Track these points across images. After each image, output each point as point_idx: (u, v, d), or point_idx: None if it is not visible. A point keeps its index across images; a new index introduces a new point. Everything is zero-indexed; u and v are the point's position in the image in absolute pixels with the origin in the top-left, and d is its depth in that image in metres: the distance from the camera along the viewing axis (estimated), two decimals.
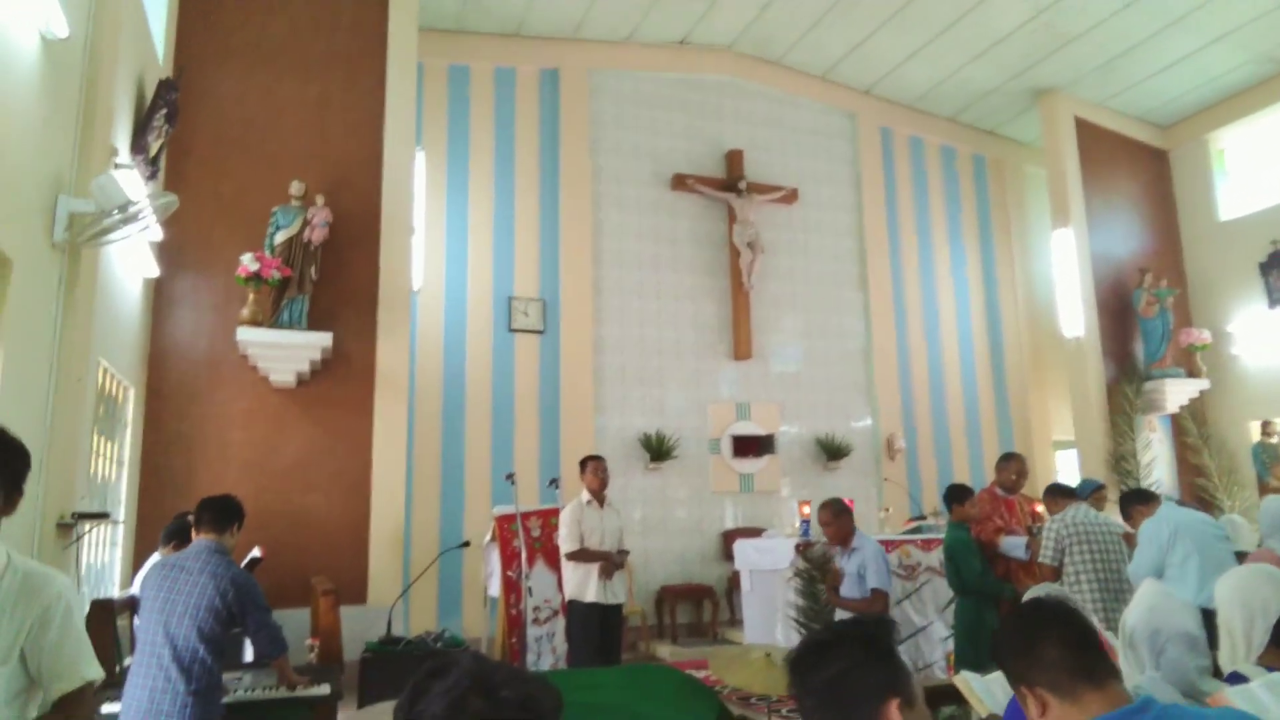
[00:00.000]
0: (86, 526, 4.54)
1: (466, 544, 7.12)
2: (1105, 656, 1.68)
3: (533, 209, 9.43)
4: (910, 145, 11.73)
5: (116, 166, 4.74)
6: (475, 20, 9.26)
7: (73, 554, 4.40)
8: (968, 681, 3.25)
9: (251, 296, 6.42)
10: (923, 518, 7.98)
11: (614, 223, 9.75)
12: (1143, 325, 10.49)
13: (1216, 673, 2.55)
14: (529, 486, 8.20)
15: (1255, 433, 9.78)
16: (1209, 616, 2.67)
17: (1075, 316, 10.63)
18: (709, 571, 9.24)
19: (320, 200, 6.80)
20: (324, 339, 6.60)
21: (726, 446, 9.70)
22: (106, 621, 4.26)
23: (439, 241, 8.98)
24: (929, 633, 6.56)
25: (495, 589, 6.69)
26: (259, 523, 6.07)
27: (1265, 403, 10.15)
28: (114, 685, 3.73)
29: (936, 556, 6.64)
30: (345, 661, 5.01)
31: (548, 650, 6.47)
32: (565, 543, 5.78)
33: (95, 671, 1.93)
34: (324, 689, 3.92)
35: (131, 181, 4.24)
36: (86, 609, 4.39)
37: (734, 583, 8.63)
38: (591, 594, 5.60)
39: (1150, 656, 2.50)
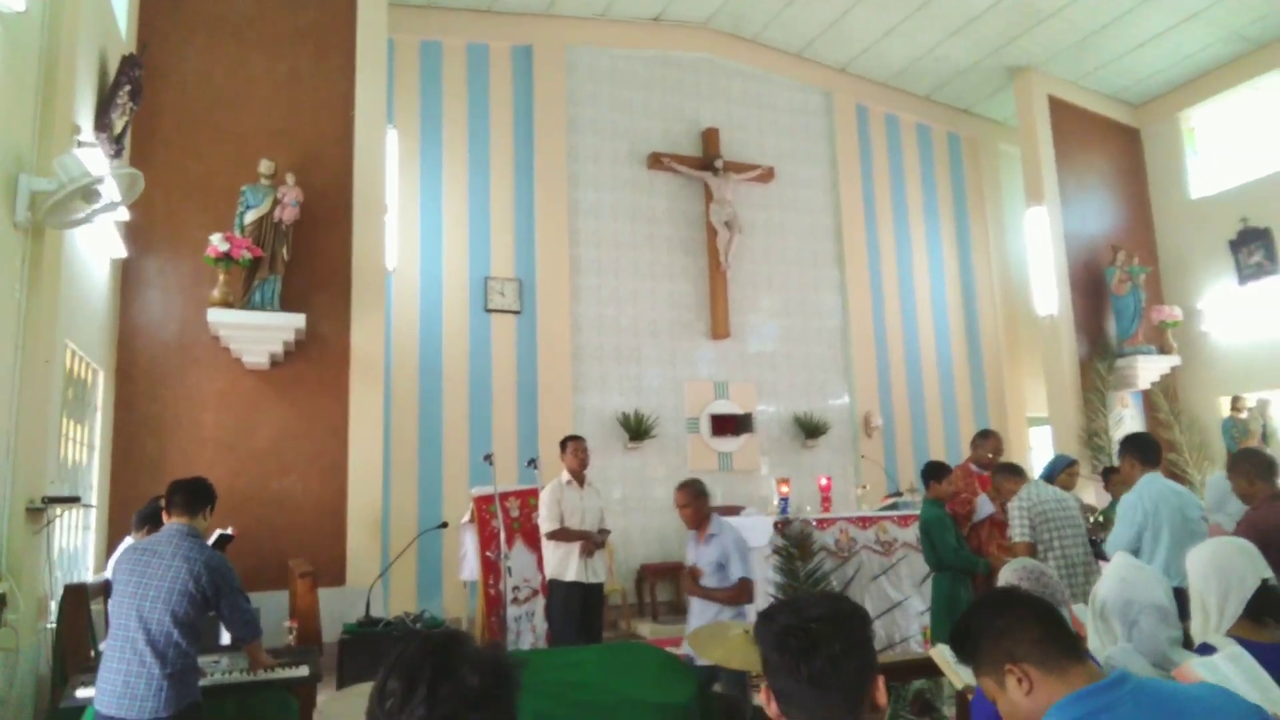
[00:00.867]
0: (57, 510, 4.48)
1: (444, 525, 7.10)
2: (1077, 635, 1.74)
3: (508, 188, 9.35)
4: (886, 123, 11.73)
5: (79, 144, 4.62)
6: None
7: (44, 538, 4.34)
8: (943, 654, 3.29)
9: (222, 277, 6.32)
10: (899, 494, 8.06)
11: (590, 201, 9.69)
12: (1115, 302, 10.61)
13: (1187, 644, 2.59)
14: (507, 467, 8.18)
15: (1225, 408, 9.94)
16: (1178, 595, 2.70)
17: (1049, 294, 10.73)
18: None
19: (291, 179, 6.69)
20: (297, 320, 6.52)
21: (705, 425, 9.73)
22: (80, 605, 4.22)
23: (413, 221, 8.88)
24: (905, 607, 6.65)
25: (468, 573, 6.69)
26: (234, 505, 6.03)
27: (1235, 378, 10.32)
28: (89, 669, 3.70)
29: (913, 532, 6.72)
30: (324, 643, 4.99)
31: (527, 629, 6.48)
32: (545, 522, 5.79)
33: None
34: (303, 670, 3.90)
35: (95, 160, 4.13)
36: (60, 593, 4.35)
37: None
38: (572, 573, 5.62)
39: (1122, 628, 2.54)
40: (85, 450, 5.64)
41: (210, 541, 3.87)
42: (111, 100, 5.44)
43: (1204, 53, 10.50)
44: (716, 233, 9.86)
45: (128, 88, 5.56)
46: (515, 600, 6.42)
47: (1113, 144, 11.68)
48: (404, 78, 9.04)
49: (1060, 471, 5.91)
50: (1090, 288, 10.76)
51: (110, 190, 4.29)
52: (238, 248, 6.22)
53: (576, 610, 5.62)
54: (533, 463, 6.40)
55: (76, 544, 5.44)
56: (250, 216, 6.51)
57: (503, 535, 6.15)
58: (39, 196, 4.05)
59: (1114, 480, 5.43)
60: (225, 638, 4.27)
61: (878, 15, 9.99)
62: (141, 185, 4.61)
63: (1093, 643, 2.62)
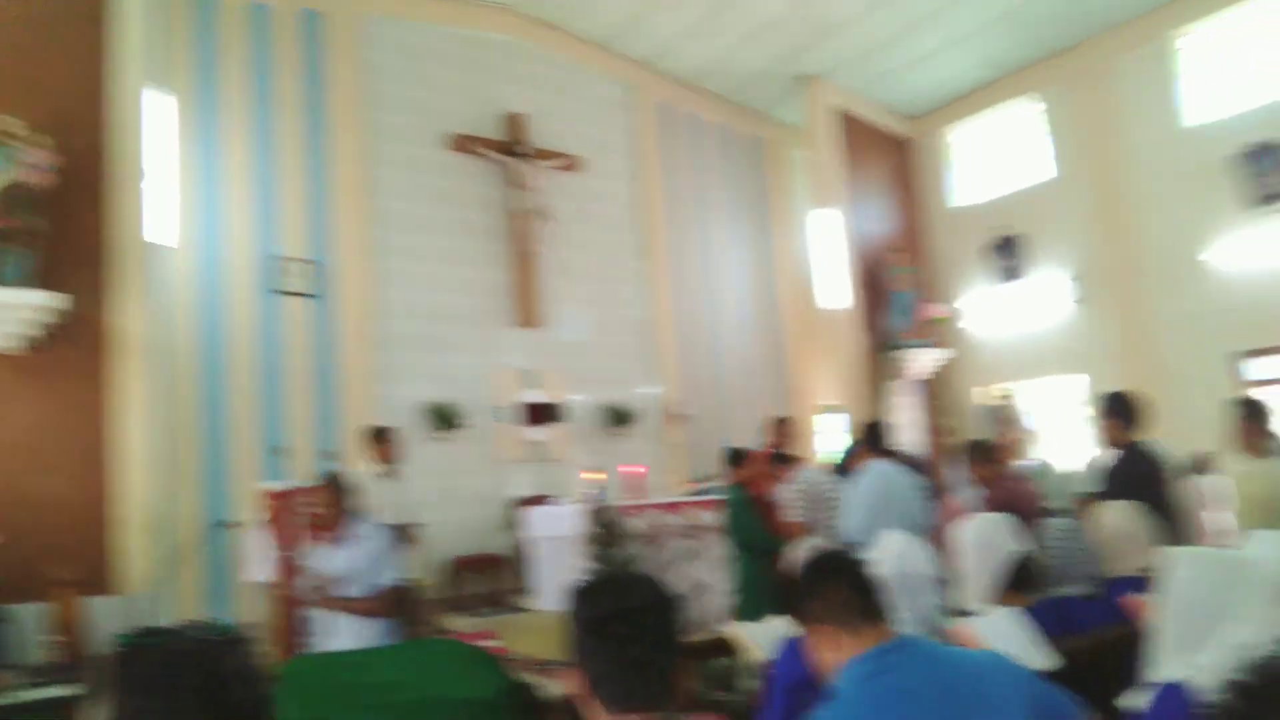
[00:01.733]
0: None
1: (231, 524, 6.59)
2: (880, 599, 1.94)
3: (298, 162, 8.73)
4: (688, 122, 12.10)
5: None
6: None
7: None
8: (738, 630, 3.46)
9: None
10: (705, 479, 8.36)
11: (392, 181, 9.28)
12: (894, 299, 11.57)
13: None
14: (304, 460, 7.71)
15: (983, 397, 11.14)
16: None
17: (837, 291, 11.53)
18: (501, 541, 9.19)
19: (43, 141, 5.91)
20: (55, 299, 5.80)
21: (516, 415, 9.65)
22: None
23: (192, 193, 8.13)
24: (712, 589, 6.91)
25: (258, 573, 6.26)
26: None
27: (992, 370, 11.56)
28: None
29: (718, 516, 6.99)
30: (94, 656, 4.49)
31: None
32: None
33: None
34: (66, 689, 3.50)
35: None
36: None
37: (525, 550, 8.64)
38: None
39: (901, 599, 2.78)
40: None
41: None
42: None
43: (966, 75, 11.62)
44: (524, 220, 9.78)
45: None
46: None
47: (891, 154, 12.70)
48: (178, 33, 8.19)
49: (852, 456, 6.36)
50: (872, 285, 11.64)
51: None
52: None
53: None
54: (331, 455, 6.07)
55: None
56: None
57: (298, 533, 5.79)
58: None
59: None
60: None
61: (677, 14, 10.24)
62: None
63: None
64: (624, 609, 1.49)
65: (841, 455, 6.46)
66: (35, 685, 3.47)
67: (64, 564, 5.43)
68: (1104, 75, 10.59)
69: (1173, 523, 3.86)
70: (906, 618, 2.71)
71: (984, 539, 2.97)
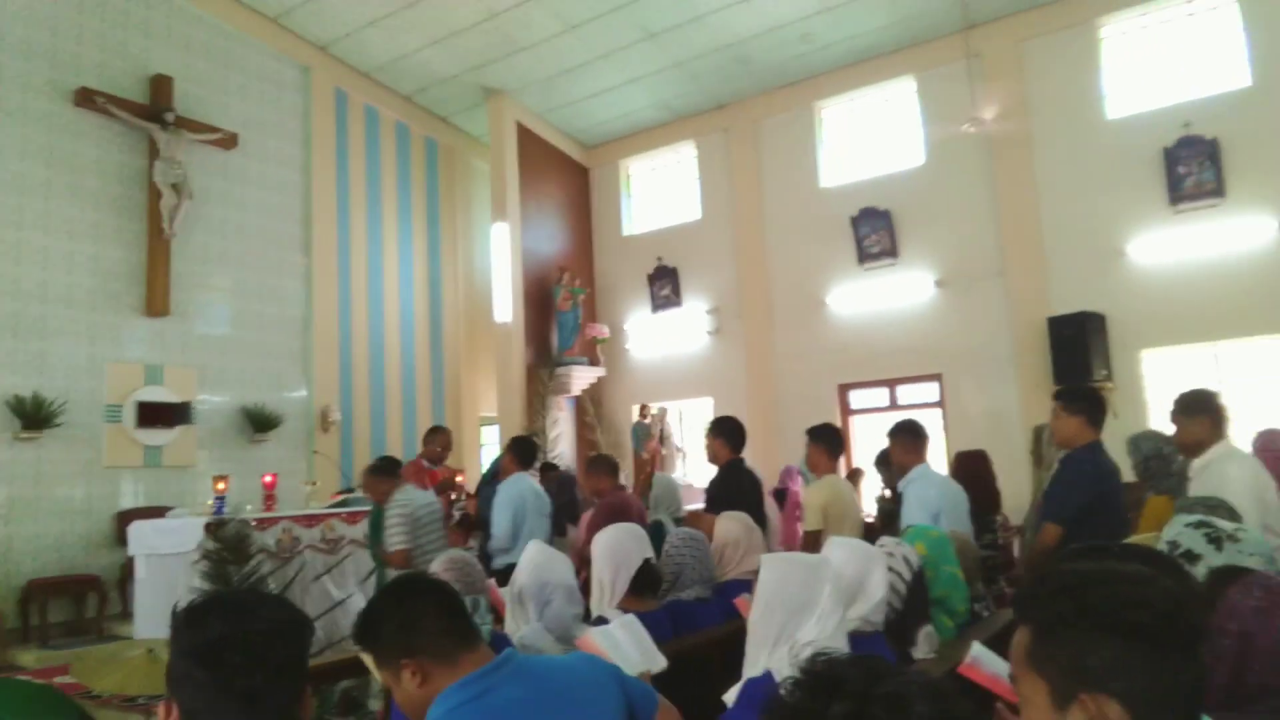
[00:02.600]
0: None
1: None
2: (472, 620, 1.84)
3: None
4: (366, 114, 11.56)
5: None
6: None
7: None
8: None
9: None
10: (351, 490, 7.92)
11: None
12: (559, 318, 11.91)
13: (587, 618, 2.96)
14: None
15: (635, 414, 11.84)
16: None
17: (505, 304, 11.61)
18: (97, 560, 7.93)
19: None
20: None
21: (130, 414, 8.40)
22: None
23: None
24: (347, 606, 6.52)
25: None
26: None
27: (644, 389, 12.34)
28: None
29: (361, 529, 6.64)
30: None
31: None
32: None
33: None
34: None
35: None
36: None
37: (128, 570, 7.53)
38: None
39: (536, 609, 2.80)
40: None
41: None
42: None
43: (641, 114, 12.40)
44: (161, 195, 8.62)
45: None
46: None
47: (568, 177, 13.14)
48: None
49: (498, 469, 6.39)
50: (540, 302, 11.91)
51: None
52: None
53: None
54: None
55: None
56: None
57: None
58: None
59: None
60: None
61: (360, 3, 9.78)
62: None
63: (509, 625, 2.84)
64: (236, 633, 1.28)
65: (488, 468, 6.51)
66: None
67: None
68: (752, 133, 11.89)
69: (763, 531, 4.33)
70: (538, 628, 2.73)
71: (616, 547, 3.08)
